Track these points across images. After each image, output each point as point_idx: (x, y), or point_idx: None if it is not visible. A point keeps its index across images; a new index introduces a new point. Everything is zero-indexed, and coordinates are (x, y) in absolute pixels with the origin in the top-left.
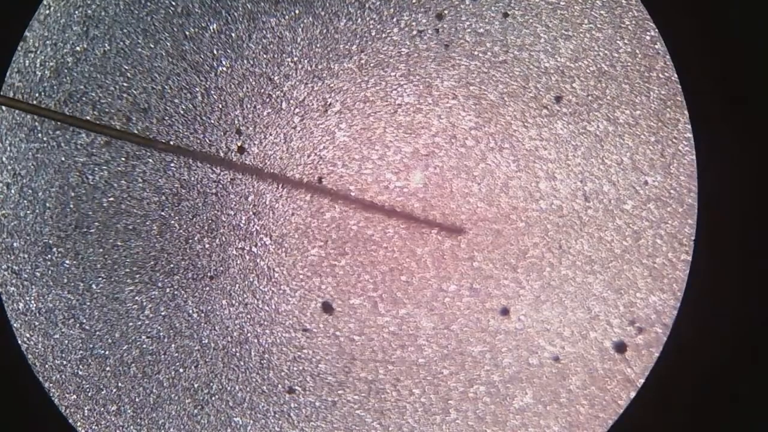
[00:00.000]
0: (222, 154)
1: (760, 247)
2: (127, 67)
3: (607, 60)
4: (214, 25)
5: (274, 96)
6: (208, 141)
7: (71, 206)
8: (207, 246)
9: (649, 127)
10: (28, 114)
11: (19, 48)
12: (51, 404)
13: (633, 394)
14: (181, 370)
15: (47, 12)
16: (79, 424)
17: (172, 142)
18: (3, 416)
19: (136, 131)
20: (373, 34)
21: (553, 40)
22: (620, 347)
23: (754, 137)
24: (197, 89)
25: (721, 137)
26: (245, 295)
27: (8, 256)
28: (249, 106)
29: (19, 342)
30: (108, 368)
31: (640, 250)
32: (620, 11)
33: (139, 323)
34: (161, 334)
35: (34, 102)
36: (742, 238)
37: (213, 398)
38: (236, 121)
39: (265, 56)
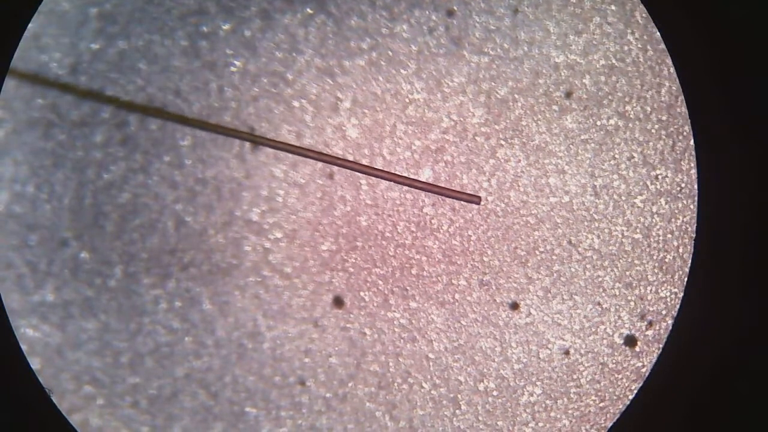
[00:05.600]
0: (236, 152)
1: (761, 245)
2: (142, 65)
3: (617, 55)
4: (228, 23)
5: (286, 93)
6: (222, 138)
7: (88, 201)
8: (221, 241)
9: (659, 121)
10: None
11: (35, 45)
12: (51, 404)
13: (640, 386)
14: (196, 362)
15: (63, 10)
16: (95, 415)
17: (187, 138)
18: (2, 416)
19: (153, 127)
20: (384, 31)
21: (564, 36)
22: (631, 341)
23: (755, 137)
24: (212, 87)
25: (721, 137)
26: (258, 289)
27: (26, 249)
28: (262, 103)
29: (36, 335)
30: (124, 360)
31: (651, 244)
32: (631, 6)
33: (155, 316)
34: (176, 326)
35: (50, 100)
36: (742, 235)
37: (226, 389)
38: (249, 119)
39: (278, 54)
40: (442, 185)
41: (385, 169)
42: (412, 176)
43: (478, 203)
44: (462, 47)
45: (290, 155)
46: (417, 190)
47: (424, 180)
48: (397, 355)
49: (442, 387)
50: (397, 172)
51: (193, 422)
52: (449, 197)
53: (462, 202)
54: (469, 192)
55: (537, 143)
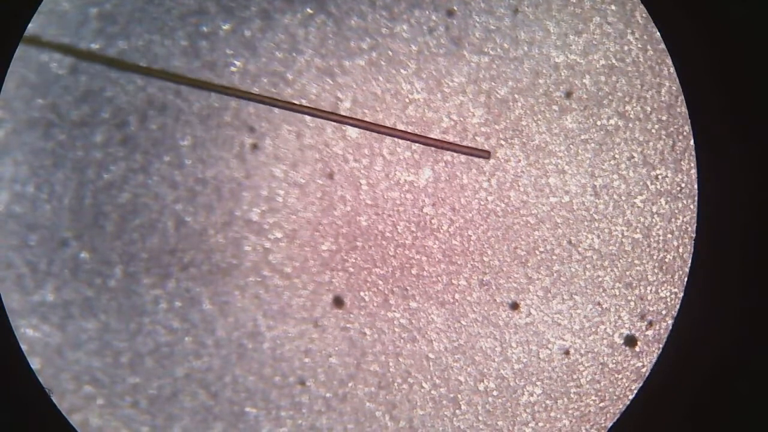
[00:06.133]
0: (236, 152)
1: (761, 245)
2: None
3: (617, 55)
4: (228, 23)
5: (286, 93)
6: (222, 138)
7: (88, 201)
8: (221, 241)
9: (659, 121)
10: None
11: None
12: (51, 404)
13: (640, 386)
14: (196, 362)
15: (63, 10)
16: (95, 415)
17: (188, 137)
18: (2, 416)
19: (153, 127)
20: (384, 31)
21: (564, 36)
22: (630, 341)
23: (755, 137)
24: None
25: (721, 137)
26: (258, 289)
27: (26, 249)
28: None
29: (36, 335)
30: (124, 360)
31: (651, 244)
32: (631, 6)
33: (155, 316)
34: (176, 326)
35: (51, 101)
36: (742, 235)
37: (226, 389)
38: (249, 119)
39: (278, 54)
40: (452, 141)
41: (392, 126)
42: (420, 133)
43: (488, 158)
44: (462, 47)
45: (290, 155)
46: (427, 146)
47: (433, 138)
48: (397, 355)
49: (442, 387)
50: (404, 129)
51: (193, 422)
52: (458, 152)
53: (472, 167)
54: (478, 148)
55: (537, 143)
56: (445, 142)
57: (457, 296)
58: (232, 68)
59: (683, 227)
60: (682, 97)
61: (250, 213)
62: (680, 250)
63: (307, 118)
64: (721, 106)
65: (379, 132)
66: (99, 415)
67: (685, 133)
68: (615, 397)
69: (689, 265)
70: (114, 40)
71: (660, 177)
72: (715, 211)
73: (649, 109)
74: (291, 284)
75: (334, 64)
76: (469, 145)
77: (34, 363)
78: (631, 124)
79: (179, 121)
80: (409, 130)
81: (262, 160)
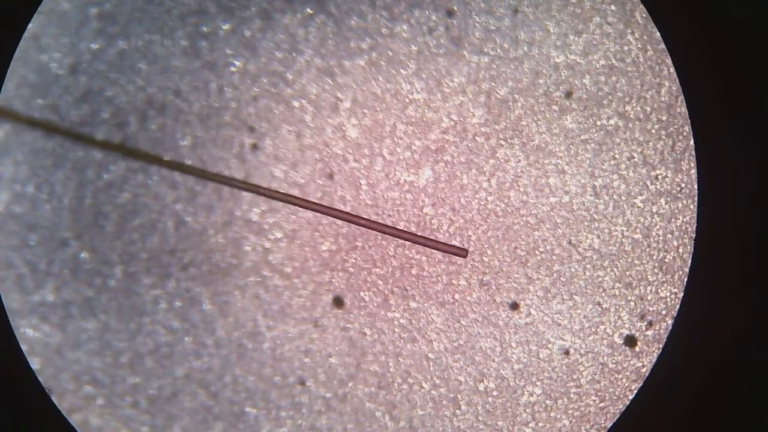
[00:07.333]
0: (236, 152)
1: (761, 245)
2: (142, 65)
3: (617, 55)
4: (228, 23)
5: (286, 93)
6: (222, 138)
7: (88, 201)
8: (221, 241)
9: (659, 121)
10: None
11: (35, 45)
12: (51, 404)
13: (640, 386)
14: (196, 362)
15: (63, 10)
16: (95, 415)
17: (188, 137)
18: (2, 416)
19: (153, 127)
20: (384, 31)
21: (564, 36)
22: (631, 341)
23: (755, 137)
24: (212, 87)
25: (721, 137)
26: (258, 289)
27: (26, 249)
28: (262, 103)
29: (36, 335)
30: (124, 360)
31: (651, 244)
32: (631, 6)
33: (155, 316)
34: (176, 326)
35: (50, 100)
36: (742, 235)
37: (226, 389)
38: (249, 119)
39: (278, 54)
40: (431, 239)
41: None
42: (397, 225)
43: (465, 256)
44: (462, 47)
45: (290, 155)
46: (406, 240)
47: (411, 231)
48: (397, 355)
49: (442, 387)
50: (383, 222)
51: (193, 422)
52: (436, 249)
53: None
54: (456, 245)
55: (537, 143)
56: (424, 238)
57: (457, 296)
58: (232, 68)
59: (683, 227)
60: (682, 97)
61: (250, 213)
62: (680, 250)
63: (308, 117)
64: (721, 106)
65: (359, 225)
66: (99, 415)
67: (685, 133)
68: (615, 397)
69: (689, 265)
70: (114, 40)
71: (660, 177)
72: (715, 211)
73: (649, 109)
74: (291, 284)
75: (334, 64)
76: (448, 243)
77: (34, 363)
78: (631, 124)
79: (179, 121)
80: (388, 224)
81: (262, 160)
